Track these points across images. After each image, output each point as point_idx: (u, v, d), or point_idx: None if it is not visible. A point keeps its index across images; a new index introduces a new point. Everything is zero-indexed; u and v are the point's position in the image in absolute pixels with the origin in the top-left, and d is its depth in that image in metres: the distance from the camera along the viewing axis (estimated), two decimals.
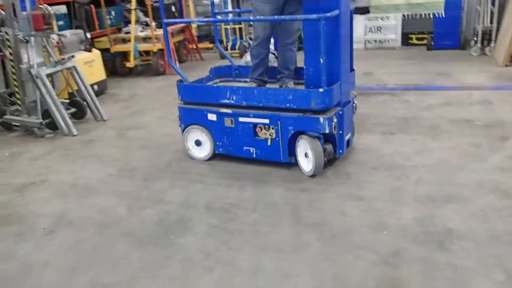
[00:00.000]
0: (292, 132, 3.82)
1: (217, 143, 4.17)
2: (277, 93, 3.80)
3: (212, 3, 4.71)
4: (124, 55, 8.17)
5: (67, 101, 5.86)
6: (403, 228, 3.05)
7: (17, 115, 5.52)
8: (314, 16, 3.48)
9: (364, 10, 5.43)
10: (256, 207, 3.45)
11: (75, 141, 5.16)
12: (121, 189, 3.91)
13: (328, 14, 3.49)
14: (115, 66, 8.31)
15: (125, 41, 8.30)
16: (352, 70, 4.17)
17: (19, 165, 4.60)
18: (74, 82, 5.80)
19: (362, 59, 8.14)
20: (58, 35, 5.36)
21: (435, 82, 6.34)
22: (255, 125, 3.94)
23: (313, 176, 3.85)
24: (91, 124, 5.74)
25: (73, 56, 5.64)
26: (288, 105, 3.76)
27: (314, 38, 3.59)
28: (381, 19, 8.55)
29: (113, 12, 9.03)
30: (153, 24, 8.08)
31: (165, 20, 4.06)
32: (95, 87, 6.89)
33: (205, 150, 4.27)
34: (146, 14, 8.61)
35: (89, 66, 6.78)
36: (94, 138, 5.23)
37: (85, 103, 5.80)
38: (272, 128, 3.89)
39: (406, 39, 8.87)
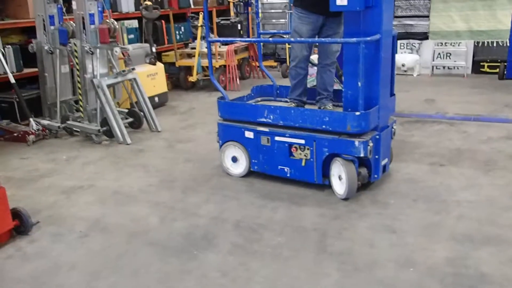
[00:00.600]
0: (327, 154, 3.78)
1: (253, 160, 4.20)
2: (313, 114, 3.77)
3: (258, 24, 4.78)
4: (189, 69, 8.45)
5: (126, 110, 6.16)
6: (432, 267, 2.86)
7: (79, 121, 5.87)
8: (354, 40, 3.44)
9: (423, 36, 5.22)
10: (283, 230, 3.40)
11: (127, 149, 5.39)
12: (158, 200, 4.02)
13: (368, 38, 3.43)
14: (180, 79, 8.62)
15: (190, 56, 8.59)
16: (392, 95, 4.06)
17: (72, 169, 4.88)
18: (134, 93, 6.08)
19: (428, 85, 7.87)
20: (121, 48, 5.66)
21: (499, 113, 5.94)
22: (290, 145, 3.94)
23: (346, 199, 3.78)
24: (146, 134, 5.97)
25: (133, 69, 5.91)
26: (324, 126, 3.72)
27: (354, 61, 3.53)
28: (451, 45, 8.16)
29: (182, 28, 9.39)
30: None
31: (209, 39, 4.18)
32: (156, 99, 7.19)
33: (241, 167, 4.30)
34: (213, 31, 8.89)
35: (152, 78, 7.09)
36: (145, 147, 5.44)
37: (142, 113, 6.05)
38: (307, 149, 3.85)
39: (477, 67, 8.40)
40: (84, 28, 5.60)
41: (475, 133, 5.25)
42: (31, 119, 5.85)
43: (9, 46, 6.27)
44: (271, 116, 3.97)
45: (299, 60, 4.07)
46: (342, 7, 3.46)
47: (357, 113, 3.56)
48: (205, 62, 8.36)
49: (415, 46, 8.63)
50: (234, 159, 4.32)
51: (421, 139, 5.18)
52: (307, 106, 4.33)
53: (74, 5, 5.65)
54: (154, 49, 7.21)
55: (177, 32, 9.28)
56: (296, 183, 4.10)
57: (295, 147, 3.94)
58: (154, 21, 8.15)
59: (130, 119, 6.06)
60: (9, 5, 6.57)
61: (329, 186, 3.94)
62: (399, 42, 8.58)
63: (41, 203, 4.07)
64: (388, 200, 3.78)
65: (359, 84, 3.51)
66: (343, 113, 3.69)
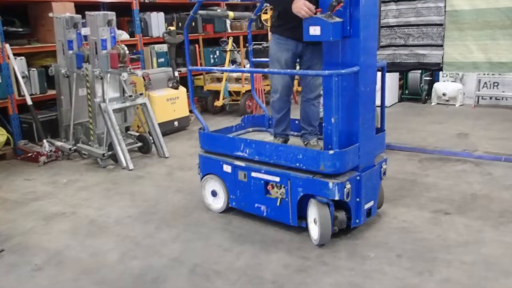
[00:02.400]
0: (301, 194, 3.44)
1: (231, 196, 3.94)
2: (287, 151, 3.46)
3: (250, 52, 4.53)
4: (217, 93, 8.34)
5: (137, 134, 6.14)
6: None
7: (90, 144, 5.90)
8: (326, 72, 3.09)
9: (437, 67, 4.71)
10: (238, 280, 3.08)
11: (127, 175, 5.31)
12: (128, 233, 3.84)
13: (343, 71, 3.07)
14: (207, 103, 8.54)
15: (219, 80, 8.50)
16: (382, 131, 3.66)
17: (66, 193, 4.85)
18: (144, 118, 6.03)
19: (467, 117, 7.20)
20: (129, 73, 5.64)
21: None
22: (266, 182, 3.64)
23: (321, 245, 3.41)
24: (153, 159, 5.88)
25: (141, 94, 5.88)
26: (298, 164, 3.41)
27: (333, 94, 3.17)
28: (499, 74, 7.45)
29: (217, 52, 9.35)
30: (248, 66, 8.18)
31: (190, 67, 3.99)
32: (176, 123, 7.15)
33: (220, 202, 4.06)
34: (246, 56, 8.76)
35: (172, 103, 7.04)
36: (144, 174, 5.33)
37: (151, 138, 5.99)
38: (283, 187, 3.54)
39: None
40: (96, 53, 5.66)
41: (500, 177, 4.61)
42: (44, 141, 5.97)
43: (34, 69, 6.47)
44: (247, 150, 3.70)
45: (283, 90, 3.73)
46: (316, 37, 3.15)
47: (331, 152, 3.20)
48: (232, 86, 8.24)
49: (458, 74, 7.98)
50: (214, 193, 4.08)
51: (435, 180, 4.63)
52: (291, 139, 4.03)
53: (88, 31, 5.73)
54: (176, 74, 7.17)
55: (211, 56, 9.26)
56: (275, 224, 3.78)
57: (272, 185, 3.63)
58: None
59: (139, 144, 6.01)
60: (39, 30, 6.82)
61: (307, 229, 3.58)
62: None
63: (18, 228, 4.04)
64: (368, 252, 3.34)
65: (333, 120, 3.16)
66: (316, 151, 3.35)
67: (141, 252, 3.53)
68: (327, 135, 3.43)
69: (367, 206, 3.52)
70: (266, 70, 3.62)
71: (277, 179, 3.57)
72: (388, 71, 5.08)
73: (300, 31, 3.26)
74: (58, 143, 6.06)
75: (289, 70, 3.58)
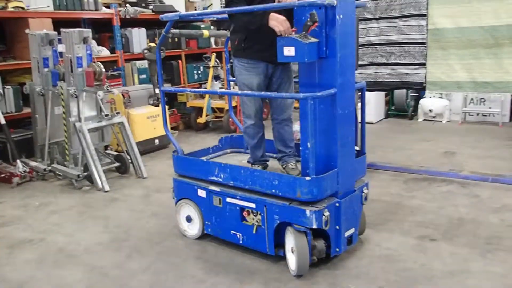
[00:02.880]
0: (278, 222, 3.26)
1: (206, 222, 3.76)
2: (263, 176, 3.30)
3: (228, 70, 4.38)
4: (200, 110, 8.17)
5: (115, 154, 5.94)
6: None
7: (65, 165, 5.69)
8: (301, 95, 2.95)
9: (420, 86, 4.58)
10: None
11: (102, 197, 5.09)
12: (97, 263, 3.62)
13: (319, 94, 2.92)
14: (191, 120, 8.36)
15: (203, 96, 8.34)
16: (363, 154, 3.52)
17: (36, 217, 4.62)
18: (122, 137, 5.84)
19: (454, 134, 7.08)
20: (106, 92, 5.45)
21: None
22: (242, 208, 3.46)
23: (299, 276, 3.22)
24: (130, 180, 5.67)
25: (118, 113, 5.69)
26: (273, 191, 3.23)
27: (309, 117, 3.02)
28: (483, 93, 7.35)
29: (201, 68, 9.21)
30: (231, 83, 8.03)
31: (162, 88, 3.82)
32: (156, 141, 6.94)
33: (195, 228, 3.87)
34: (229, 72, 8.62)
35: (152, 120, 6.85)
36: (120, 196, 5.12)
37: (129, 158, 5.79)
38: (259, 214, 3.37)
39: None
40: (72, 71, 5.48)
41: (488, 199, 4.47)
42: (18, 161, 5.74)
43: (9, 87, 6.28)
44: (222, 175, 3.53)
45: (256, 115, 3.58)
46: (290, 58, 2.99)
47: (308, 178, 3.03)
48: (215, 103, 8.08)
49: None
50: (189, 219, 3.89)
51: (421, 202, 4.47)
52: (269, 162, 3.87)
53: (63, 48, 5.56)
54: (157, 91, 6.99)
55: (195, 72, 9.12)
56: (252, 252, 3.59)
57: (247, 211, 3.46)
58: (169, 61, 8.02)
59: (117, 164, 5.81)
60: (16, 46, 6.65)
61: (285, 258, 3.40)
62: None
63: None
64: (349, 284, 3.16)
65: (309, 144, 3.00)
66: (292, 177, 3.19)
67: (108, 284, 3.32)
68: (304, 159, 3.26)
69: (347, 233, 3.35)
70: (240, 92, 3.45)
71: (253, 205, 3.39)
72: (370, 90, 4.99)
73: (271, 51, 3.13)
74: (33, 163, 5.84)
75: (263, 93, 3.41)
